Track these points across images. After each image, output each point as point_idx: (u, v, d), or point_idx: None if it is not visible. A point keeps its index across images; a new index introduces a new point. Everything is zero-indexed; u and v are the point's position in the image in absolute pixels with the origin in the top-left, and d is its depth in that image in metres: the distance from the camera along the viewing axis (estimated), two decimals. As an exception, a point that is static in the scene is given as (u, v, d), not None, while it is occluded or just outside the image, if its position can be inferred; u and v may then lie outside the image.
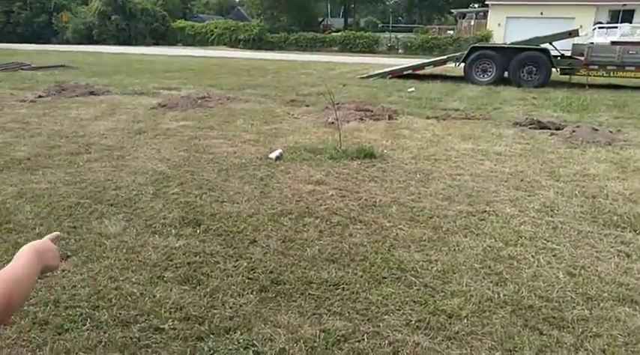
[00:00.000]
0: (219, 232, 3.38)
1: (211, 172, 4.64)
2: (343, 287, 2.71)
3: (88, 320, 2.39)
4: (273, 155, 5.15)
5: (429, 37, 31.59)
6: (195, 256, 3.03)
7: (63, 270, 2.84)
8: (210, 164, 4.91)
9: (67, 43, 32.88)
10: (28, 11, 36.27)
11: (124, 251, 3.07)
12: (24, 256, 0.91)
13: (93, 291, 2.63)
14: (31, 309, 2.47)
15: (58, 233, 1.13)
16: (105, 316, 2.42)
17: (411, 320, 2.42)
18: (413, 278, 2.80)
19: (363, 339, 2.28)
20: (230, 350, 2.21)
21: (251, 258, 3.03)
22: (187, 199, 3.94)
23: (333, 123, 6.72)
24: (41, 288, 2.66)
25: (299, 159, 5.12)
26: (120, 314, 2.44)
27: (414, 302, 2.58)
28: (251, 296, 2.64)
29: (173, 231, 3.37)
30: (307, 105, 8.44)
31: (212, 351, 2.20)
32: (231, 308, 2.53)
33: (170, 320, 2.40)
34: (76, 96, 8.80)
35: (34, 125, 6.50)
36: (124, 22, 34.16)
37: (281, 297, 2.63)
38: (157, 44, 33.64)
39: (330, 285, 2.73)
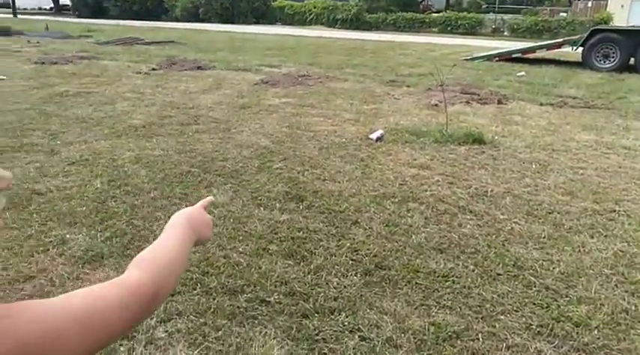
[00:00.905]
0: (322, 210, 3.34)
1: (313, 150, 4.62)
2: (453, 280, 2.54)
3: (199, 285, 2.45)
4: (373, 135, 5.01)
5: (539, 19, 29.26)
6: (299, 231, 3.01)
7: (175, 234, 2.95)
8: (311, 141, 4.89)
9: (176, 20, 34.80)
10: (143, -10, 38.77)
11: (231, 220, 3.12)
12: (177, 229, 0.77)
13: (203, 258, 2.70)
14: (147, 269, 2.58)
15: (212, 198, 1.01)
16: (214, 283, 2.46)
17: (531, 325, 2.20)
18: (532, 278, 2.56)
19: (478, 339, 2.11)
20: (335, 331, 2.15)
21: (354, 239, 2.95)
22: (290, 175, 3.94)
23: (436, 105, 6.42)
24: (155, 250, 2.78)
25: (401, 141, 4.94)
26: (228, 282, 2.48)
27: (534, 304, 2.35)
28: (355, 278, 2.56)
29: (277, 204, 3.38)
30: (408, 86, 8.16)
31: (317, 331, 2.15)
32: (335, 288, 2.47)
33: (275, 294, 2.40)
34: (185, 70, 9.23)
35: (149, 95, 6.91)
36: (228, 1, 35.40)
37: (386, 283, 2.53)
38: (257, 23, 34.53)
39: (438, 276, 2.57)
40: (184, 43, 14.81)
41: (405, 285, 2.50)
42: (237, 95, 7.10)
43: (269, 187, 3.68)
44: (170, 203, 3.37)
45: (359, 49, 14.79)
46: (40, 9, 43.66)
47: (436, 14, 33.55)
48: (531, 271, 2.62)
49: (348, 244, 2.89)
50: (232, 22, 33.11)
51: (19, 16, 29.69)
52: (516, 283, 2.52)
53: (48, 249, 2.74)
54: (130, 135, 4.95)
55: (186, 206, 3.01)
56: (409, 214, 3.29)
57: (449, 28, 30.04)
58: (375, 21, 32.61)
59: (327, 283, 2.51)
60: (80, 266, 2.60)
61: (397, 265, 2.67)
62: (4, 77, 7.82)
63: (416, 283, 2.51)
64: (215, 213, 3.21)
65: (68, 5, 40.24)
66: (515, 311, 2.30)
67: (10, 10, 31.16)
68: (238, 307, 2.30)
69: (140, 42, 14.86)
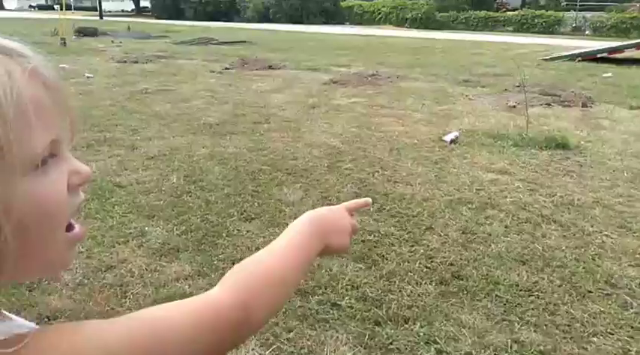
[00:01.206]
0: (393, 213, 3.24)
1: (383, 151, 4.52)
2: (537, 295, 2.36)
3: (270, 284, 2.44)
4: (447, 137, 4.83)
5: (627, 16, 27.21)
6: (370, 235, 2.94)
7: (247, 231, 2.98)
8: (381, 142, 4.79)
9: (247, 21, 35.76)
10: (217, -8, 40.19)
11: (302, 220, 3.10)
12: (298, 234, 0.63)
13: (274, 256, 2.68)
14: (220, 265, 2.62)
15: (369, 199, 0.78)
16: (285, 283, 2.44)
17: (629, 350, 2.00)
18: (628, 298, 2.33)
19: (568, 361, 1.94)
20: (410, 342, 2.06)
21: (428, 246, 2.84)
22: (360, 176, 3.88)
23: (514, 106, 6.11)
24: (228, 246, 2.82)
25: (477, 143, 4.73)
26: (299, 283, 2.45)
27: (632, 327, 2.13)
28: (430, 287, 2.45)
29: (348, 206, 3.31)
30: (483, 86, 7.83)
31: (391, 339, 2.07)
32: (409, 296, 2.38)
33: (347, 298, 2.34)
34: (256, 69, 9.42)
35: (222, 94, 7.09)
36: (297, 1, 35.90)
37: (463, 294, 2.40)
38: (325, 23, 34.74)
39: (520, 290, 2.41)
40: (255, 43, 15.15)
41: (485, 297, 2.35)
42: (307, 94, 7.13)
43: (338, 188, 3.64)
44: (243, 200, 3.40)
45: (429, 49, 14.45)
46: (122, 11, 46.53)
47: (512, 12, 32.13)
48: (627, 290, 2.39)
49: (422, 250, 2.78)
50: (301, 23, 33.53)
51: (104, 17, 31.74)
52: (610, 302, 2.30)
53: (128, 241, 2.84)
54: (204, 132, 5.08)
55: (258, 204, 3.00)
56: (487, 222, 3.12)
57: (525, 27, 28.69)
58: (445, 20, 31.79)
59: (400, 290, 2.42)
60: (157, 258, 2.67)
61: (475, 275, 2.53)
62: (92, 75, 8.34)
63: (496, 296, 2.36)
64: (286, 212, 3.21)
65: (148, 7, 42.55)
66: (610, 333, 2.10)
67: (97, 12, 33.40)
68: (309, 309, 2.26)
69: (214, 42, 15.37)
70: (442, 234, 2.98)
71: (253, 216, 3.16)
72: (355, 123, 5.51)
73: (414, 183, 3.75)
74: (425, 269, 2.60)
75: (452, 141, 4.75)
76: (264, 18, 36.18)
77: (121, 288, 2.39)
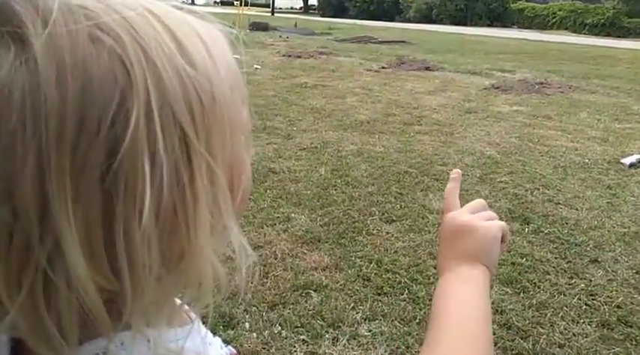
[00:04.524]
0: (552, 238, 2.91)
1: (545, 167, 4.10)
2: None
3: (406, 291, 2.36)
4: (627, 160, 4.21)
5: None
6: (522, 258, 2.67)
7: (387, 232, 2.93)
8: (544, 157, 4.35)
9: (408, 21, 35.57)
10: (381, -8, 40.69)
11: (446, 230, 2.95)
12: (475, 275, 0.54)
13: (412, 262, 2.60)
14: (357, 262, 2.61)
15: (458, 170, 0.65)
16: (422, 292, 2.34)
17: None
18: None
19: None
20: (559, 386, 1.82)
21: (590, 281, 2.49)
22: (516, 191, 3.56)
23: None
24: (367, 244, 2.80)
25: (665, 171, 4.03)
26: (437, 295, 2.33)
27: None
28: (588, 327, 2.14)
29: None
30: (678, 106, 6.68)
31: (536, 378, 1.85)
32: (561, 333, 2.11)
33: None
34: (413, 70, 9.28)
35: (376, 92, 7.13)
36: (463, 2, 34.65)
37: (631, 343, 2.05)
38: (490, 25, 32.99)
39: None
40: (415, 44, 14.98)
41: (660, 354, 1.98)
42: (464, 98, 6.81)
43: (490, 201, 3.37)
44: (385, 200, 3.36)
45: (612, 58, 12.81)
46: (292, 8, 49.78)
47: None
48: None
49: (583, 285, 2.45)
50: (464, 24, 32.36)
51: (275, 14, 34.27)
52: None
53: (275, 224, 2.99)
54: (355, 128, 5.15)
55: (401, 207, 2.92)
56: (670, 264, 2.63)
57: None
58: (635, 26, 27.95)
59: (551, 325, 2.16)
60: (299, 245, 2.77)
61: (649, 325, 2.14)
62: (259, 66, 9.03)
63: (676, 355, 1.97)
64: (429, 219, 3.08)
65: (315, 5, 44.83)
66: None
67: (270, 8, 36.18)
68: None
69: (373, 41, 15.57)
70: (610, 270, 2.59)
71: (395, 218, 3.10)
72: (516, 133, 5.10)
73: (581, 208, 3.33)
74: (584, 307, 2.29)
75: (632, 165, 4.13)
76: (425, 18, 35.65)
77: (264, 268, 2.51)
